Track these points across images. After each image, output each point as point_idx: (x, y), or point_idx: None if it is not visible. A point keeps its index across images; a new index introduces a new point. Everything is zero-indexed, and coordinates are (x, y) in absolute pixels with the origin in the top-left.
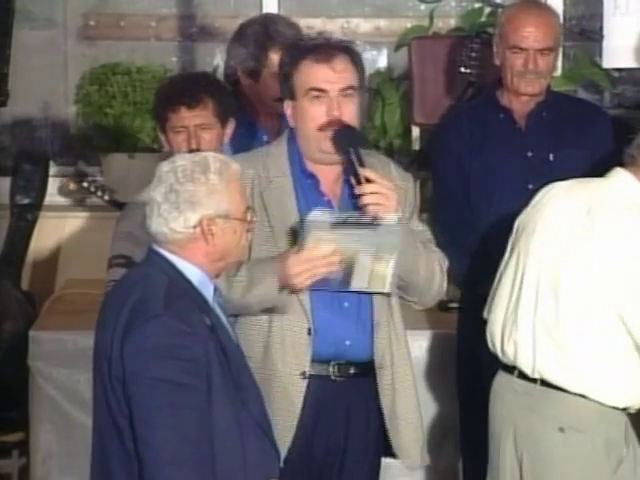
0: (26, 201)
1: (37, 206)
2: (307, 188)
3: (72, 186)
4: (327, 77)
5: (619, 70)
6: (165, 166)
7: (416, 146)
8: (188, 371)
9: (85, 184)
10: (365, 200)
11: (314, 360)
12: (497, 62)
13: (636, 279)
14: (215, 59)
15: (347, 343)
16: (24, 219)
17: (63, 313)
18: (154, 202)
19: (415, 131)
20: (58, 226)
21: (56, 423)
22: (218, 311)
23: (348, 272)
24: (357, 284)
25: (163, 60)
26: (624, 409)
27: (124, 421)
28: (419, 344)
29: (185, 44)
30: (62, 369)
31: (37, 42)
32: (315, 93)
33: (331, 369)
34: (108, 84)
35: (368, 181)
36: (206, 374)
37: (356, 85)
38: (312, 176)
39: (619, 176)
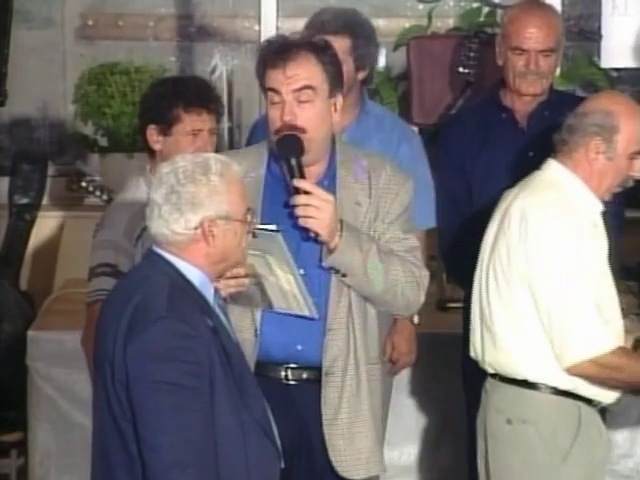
0: (24, 201)
1: (35, 206)
2: (275, 187)
3: (71, 186)
4: (280, 80)
5: (617, 70)
6: (165, 167)
7: None
8: (192, 373)
9: (83, 184)
10: (297, 212)
11: (265, 362)
12: (499, 62)
13: (555, 272)
14: (213, 59)
15: (298, 347)
16: (22, 219)
17: (61, 313)
18: (155, 204)
19: None
20: (56, 226)
21: (54, 423)
22: (218, 312)
23: (262, 290)
24: (278, 304)
25: (161, 60)
26: (581, 399)
27: (127, 424)
28: (418, 344)
29: (183, 44)
30: (60, 369)
31: (35, 42)
32: (272, 95)
33: (283, 372)
34: (106, 84)
35: (306, 192)
36: (209, 376)
37: (316, 85)
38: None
39: (550, 170)
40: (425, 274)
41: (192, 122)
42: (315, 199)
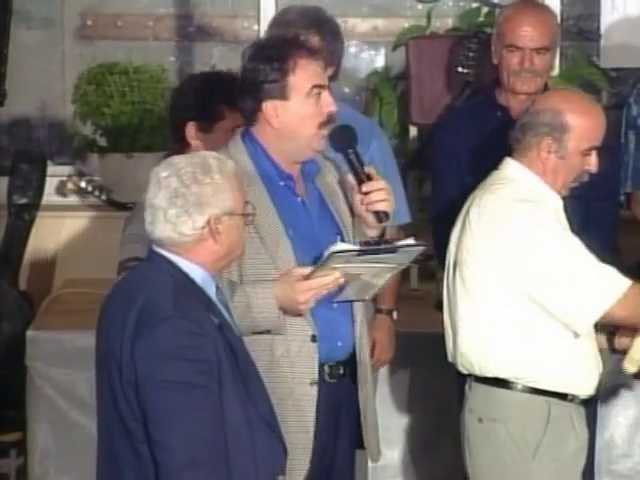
0: (24, 201)
1: (35, 206)
2: (280, 190)
3: (70, 186)
4: (322, 73)
5: (616, 70)
6: (163, 171)
7: (413, 146)
8: (201, 372)
9: (83, 184)
10: (372, 198)
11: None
12: (495, 61)
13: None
14: (212, 59)
15: (339, 344)
16: (22, 219)
17: (61, 313)
18: (158, 208)
19: (413, 131)
20: (56, 226)
21: (54, 423)
22: (221, 308)
23: (342, 287)
24: (344, 296)
25: (161, 60)
26: (553, 395)
27: (136, 425)
28: (417, 344)
29: (183, 44)
30: (60, 369)
31: (35, 42)
32: (317, 90)
33: (326, 372)
34: (105, 84)
35: (369, 179)
36: (217, 373)
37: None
38: (289, 177)
39: (508, 168)
40: None
41: (234, 119)
42: (382, 182)
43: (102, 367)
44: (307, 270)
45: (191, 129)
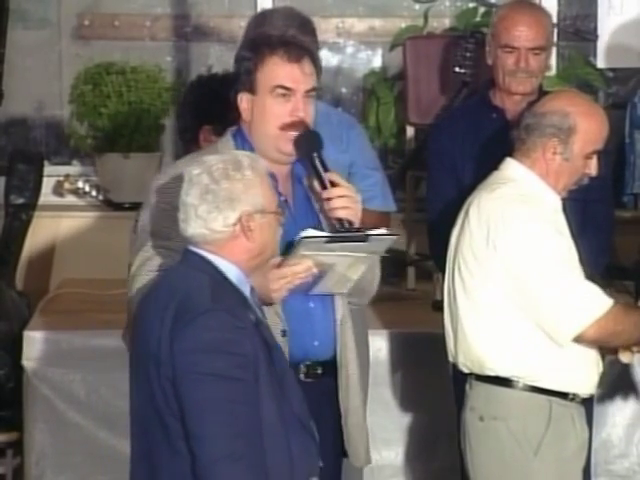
0: (21, 201)
1: (32, 206)
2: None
3: (67, 186)
4: (296, 77)
5: (613, 70)
6: (195, 169)
7: (411, 146)
8: (240, 365)
9: (80, 184)
10: (333, 204)
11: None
12: (489, 61)
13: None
14: (209, 59)
15: (315, 343)
16: (19, 219)
17: (58, 313)
18: (189, 205)
19: (410, 131)
20: (53, 226)
21: (50, 423)
22: (256, 308)
23: (317, 279)
24: (320, 289)
25: (157, 60)
26: (554, 393)
27: (173, 420)
28: (414, 344)
29: (179, 44)
30: (56, 369)
31: (32, 42)
32: (281, 91)
33: (302, 370)
34: (102, 84)
35: (333, 185)
36: (254, 369)
37: (316, 88)
38: (271, 175)
39: (508, 168)
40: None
41: None
42: (347, 190)
43: (139, 367)
44: (279, 259)
45: (206, 133)
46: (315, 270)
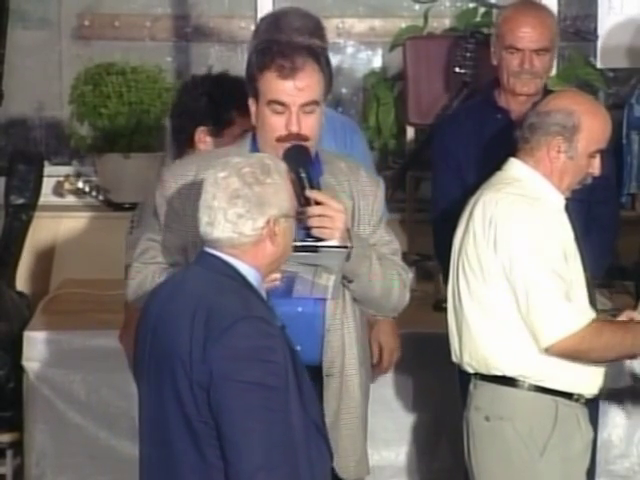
0: (21, 201)
1: (32, 206)
2: None
3: (67, 186)
4: (290, 92)
5: (613, 70)
6: (220, 172)
7: (411, 146)
8: (274, 373)
9: (80, 184)
10: (310, 222)
11: None
12: (494, 62)
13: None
14: (210, 59)
15: (297, 348)
16: (19, 219)
17: (58, 313)
18: (217, 209)
19: (410, 131)
20: (53, 226)
21: (51, 423)
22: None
23: (290, 284)
24: (300, 292)
25: (158, 60)
26: (559, 394)
27: (203, 426)
28: (415, 344)
29: (180, 44)
30: (57, 369)
31: (32, 42)
32: (275, 106)
33: None
34: (103, 84)
35: (317, 203)
36: (285, 375)
37: (319, 99)
38: None
39: (512, 168)
40: (410, 276)
41: (243, 124)
42: (329, 209)
43: (158, 370)
44: None
45: (201, 134)
46: (278, 276)
